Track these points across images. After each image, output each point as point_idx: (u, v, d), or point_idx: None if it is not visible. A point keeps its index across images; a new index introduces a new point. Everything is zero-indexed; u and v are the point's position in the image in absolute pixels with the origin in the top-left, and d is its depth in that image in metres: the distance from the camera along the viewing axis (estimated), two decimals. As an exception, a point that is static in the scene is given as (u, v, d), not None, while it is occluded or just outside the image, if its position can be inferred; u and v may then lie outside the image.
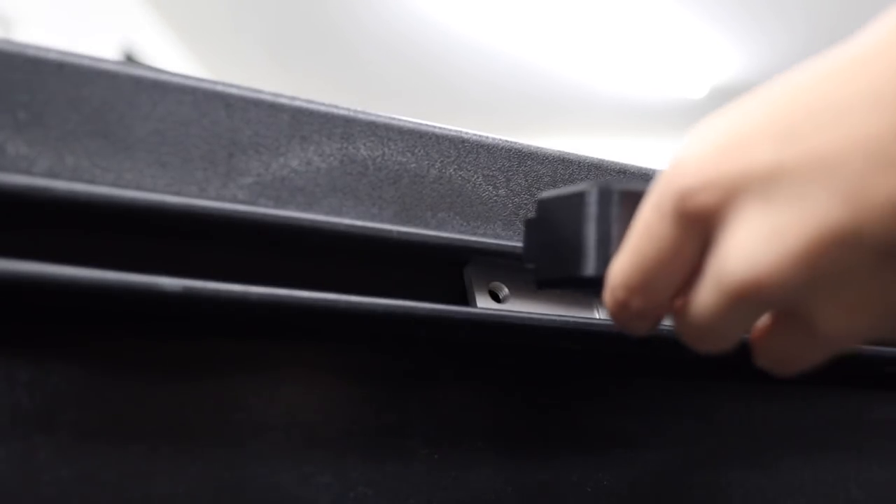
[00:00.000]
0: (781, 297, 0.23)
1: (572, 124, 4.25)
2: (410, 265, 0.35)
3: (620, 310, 0.28)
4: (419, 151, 0.38)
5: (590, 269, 0.29)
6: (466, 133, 0.39)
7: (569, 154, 0.42)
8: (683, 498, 0.43)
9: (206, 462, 0.32)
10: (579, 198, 0.30)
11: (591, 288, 0.30)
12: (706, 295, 0.25)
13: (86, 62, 0.32)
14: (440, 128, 0.39)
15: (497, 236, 0.38)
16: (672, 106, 4.06)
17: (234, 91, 0.34)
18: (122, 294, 0.29)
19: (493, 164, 0.40)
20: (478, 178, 0.39)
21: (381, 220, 0.36)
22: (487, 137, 0.40)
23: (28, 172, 0.30)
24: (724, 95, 3.92)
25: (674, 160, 0.25)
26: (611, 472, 0.41)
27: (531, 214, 0.34)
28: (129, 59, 2.92)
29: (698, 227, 0.24)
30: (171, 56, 3.56)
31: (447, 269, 0.37)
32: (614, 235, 0.29)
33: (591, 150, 0.44)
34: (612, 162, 0.43)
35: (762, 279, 0.22)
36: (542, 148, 0.41)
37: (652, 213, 0.26)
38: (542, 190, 0.41)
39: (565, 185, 0.41)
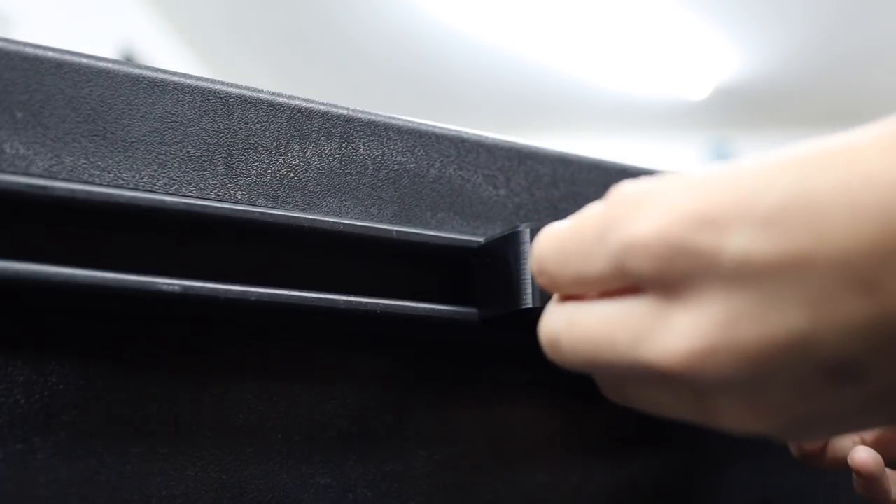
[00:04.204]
0: (699, 382, 0.22)
1: (573, 124, 4.24)
2: (410, 265, 0.34)
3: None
4: (419, 151, 0.38)
5: (529, 301, 0.31)
6: (466, 132, 0.39)
7: (569, 154, 0.42)
8: (683, 498, 0.43)
9: (205, 463, 0.32)
10: (516, 237, 0.32)
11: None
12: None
13: (84, 61, 0.32)
14: (440, 127, 0.39)
15: (497, 236, 0.38)
16: (674, 106, 4.05)
17: (232, 90, 0.34)
18: (121, 294, 0.29)
19: (493, 164, 0.39)
20: (478, 177, 0.39)
21: (381, 220, 0.36)
22: (487, 137, 0.40)
23: (26, 172, 0.30)
24: (726, 96, 3.92)
25: (623, 199, 0.23)
26: (611, 472, 0.41)
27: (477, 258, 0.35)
28: (128, 59, 2.92)
29: (630, 278, 0.23)
30: (169, 54, 3.55)
31: (447, 269, 0.37)
32: None
33: (592, 150, 0.44)
34: (612, 162, 0.43)
35: (695, 362, 0.21)
36: (542, 148, 0.41)
37: (594, 229, 0.24)
38: (542, 190, 0.41)
39: (566, 184, 0.41)
